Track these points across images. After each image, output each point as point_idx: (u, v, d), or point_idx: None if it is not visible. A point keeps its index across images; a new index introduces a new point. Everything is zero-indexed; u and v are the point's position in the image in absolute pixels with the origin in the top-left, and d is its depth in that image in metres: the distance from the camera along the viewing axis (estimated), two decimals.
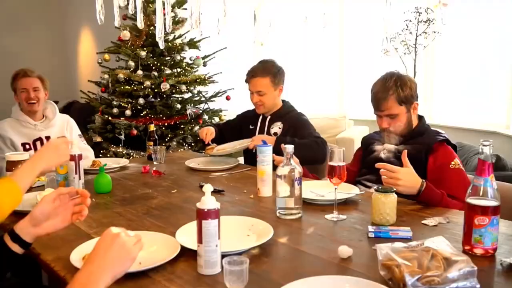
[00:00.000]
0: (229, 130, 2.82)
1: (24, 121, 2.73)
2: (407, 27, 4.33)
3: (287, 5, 5.38)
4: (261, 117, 2.70)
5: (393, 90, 1.92)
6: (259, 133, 2.65)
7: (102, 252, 0.98)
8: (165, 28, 1.89)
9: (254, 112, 2.75)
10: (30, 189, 1.96)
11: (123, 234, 1.01)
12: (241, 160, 2.75)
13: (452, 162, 1.83)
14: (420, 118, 2.06)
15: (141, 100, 4.00)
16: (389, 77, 1.96)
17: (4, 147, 2.64)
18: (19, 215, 1.62)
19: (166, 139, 4.01)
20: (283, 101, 2.71)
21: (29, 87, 2.71)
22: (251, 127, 2.72)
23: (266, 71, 2.57)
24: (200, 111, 4.26)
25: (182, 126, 4.12)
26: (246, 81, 2.64)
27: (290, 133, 2.54)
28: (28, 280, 1.58)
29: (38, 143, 2.72)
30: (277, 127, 2.62)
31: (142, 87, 3.98)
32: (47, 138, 2.73)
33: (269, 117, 2.67)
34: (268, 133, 2.62)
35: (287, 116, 2.64)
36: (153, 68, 4.11)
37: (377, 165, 1.68)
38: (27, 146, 2.70)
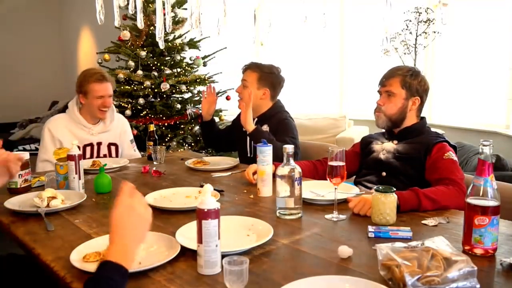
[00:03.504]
0: (226, 133, 2.88)
1: (79, 123, 2.58)
2: (407, 27, 4.33)
3: (287, 5, 5.39)
4: None
5: (402, 72, 2.00)
6: (249, 137, 2.63)
7: (129, 227, 1.07)
8: (165, 28, 1.89)
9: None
10: (30, 189, 1.97)
11: (137, 202, 1.11)
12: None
13: (446, 154, 1.84)
14: (422, 118, 2.07)
15: (141, 100, 4.00)
16: (406, 66, 2.11)
17: (52, 147, 2.45)
18: (19, 215, 1.62)
19: (166, 139, 4.01)
20: (274, 103, 2.67)
21: (106, 94, 2.54)
22: (243, 129, 2.67)
23: (258, 68, 2.60)
24: (200, 111, 4.25)
25: (182, 126, 4.12)
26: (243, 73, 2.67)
27: (275, 135, 2.48)
28: None
29: (88, 148, 2.57)
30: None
31: (142, 87, 3.98)
32: (98, 144, 2.60)
33: (256, 119, 2.64)
34: None
35: (273, 118, 2.61)
36: (153, 68, 4.11)
37: (349, 204, 1.61)
38: None
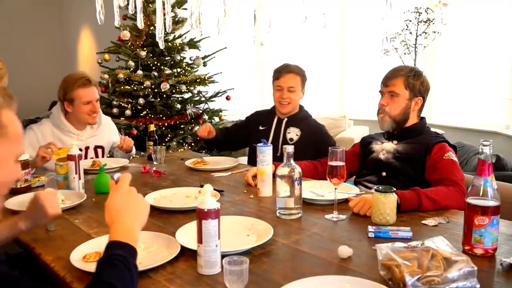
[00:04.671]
0: (236, 131, 2.80)
1: (66, 130, 2.47)
2: (407, 27, 4.34)
3: (287, 5, 5.39)
4: (276, 118, 2.63)
5: (405, 73, 1.99)
6: (273, 136, 2.59)
7: (130, 208, 1.10)
8: (165, 28, 1.89)
9: (269, 111, 2.69)
10: (30, 189, 1.96)
11: (135, 190, 1.14)
12: (242, 160, 2.75)
13: (446, 154, 1.84)
14: (421, 118, 2.07)
15: (141, 100, 4.00)
16: (408, 66, 2.10)
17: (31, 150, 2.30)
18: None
19: (166, 139, 4.01)
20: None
21: (94, 99, 2.44)
22: (261, 127, 2.65)
23: (300, 70, 2.61)
24: (200, 111, 4.26)
25: (182, 126, 4.12)
26: (277, 77, 2.58)
27: (307, 142, 2.49)
28: None
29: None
30: (294, 133, 2.56)
31: (142, 87, 3.98)
32: (86, 148, 2.53)
33: (285, 119, 2.60)
34: (284, 137, 2.57)
35: (304, 121, 2.59)
36: (153, 68, 4.11)
37: (349, 204, 1.62)
38: None
